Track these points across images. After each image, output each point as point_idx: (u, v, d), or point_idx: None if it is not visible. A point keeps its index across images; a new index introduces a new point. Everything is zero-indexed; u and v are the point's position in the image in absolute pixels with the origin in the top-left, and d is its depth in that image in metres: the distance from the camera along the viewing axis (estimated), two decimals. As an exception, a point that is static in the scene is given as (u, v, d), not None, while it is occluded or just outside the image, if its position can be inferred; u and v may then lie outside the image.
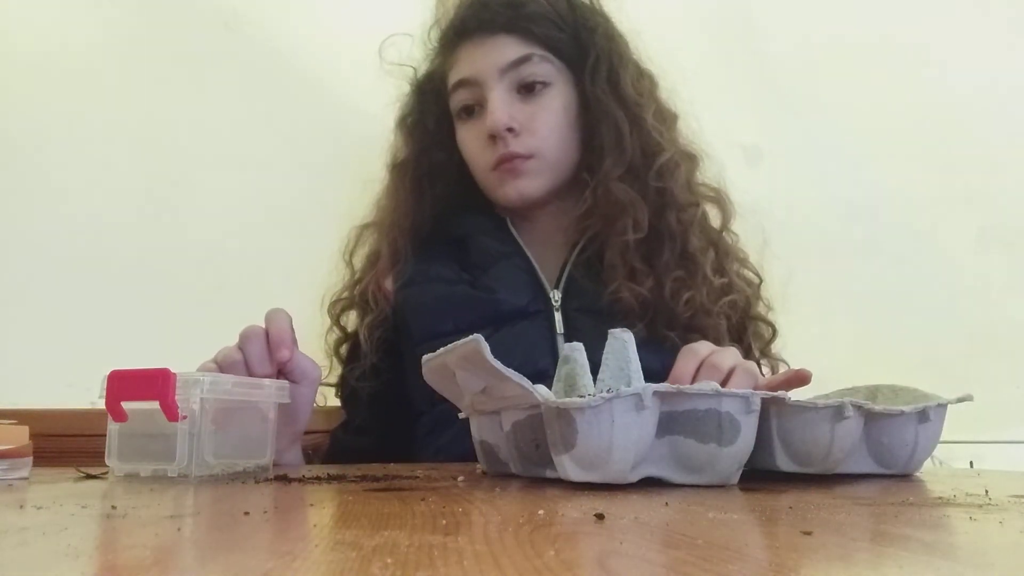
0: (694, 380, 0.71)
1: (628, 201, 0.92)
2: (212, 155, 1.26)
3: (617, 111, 0.95)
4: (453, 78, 0.98)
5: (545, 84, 0.95)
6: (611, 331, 0.61)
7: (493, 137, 0.93)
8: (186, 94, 1.27)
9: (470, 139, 0.98)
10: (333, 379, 1.05)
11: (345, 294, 1.05)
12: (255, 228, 1.25)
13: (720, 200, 0.99)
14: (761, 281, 1.01)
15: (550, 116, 0.95)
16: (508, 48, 0.94)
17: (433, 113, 1.02)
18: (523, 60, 0.94)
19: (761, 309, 1.00)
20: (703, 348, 0.75)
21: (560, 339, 0.91)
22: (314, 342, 1.07)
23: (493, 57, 0.94)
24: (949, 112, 1.32)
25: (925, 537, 0.31)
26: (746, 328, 0.97)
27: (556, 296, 0.94)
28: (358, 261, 1.07)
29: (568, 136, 0.96)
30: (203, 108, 1.27)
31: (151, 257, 1.20)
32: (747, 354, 0.94)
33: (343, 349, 1.05)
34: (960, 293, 1.30)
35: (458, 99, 0.97)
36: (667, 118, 0.99)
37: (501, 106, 0.92)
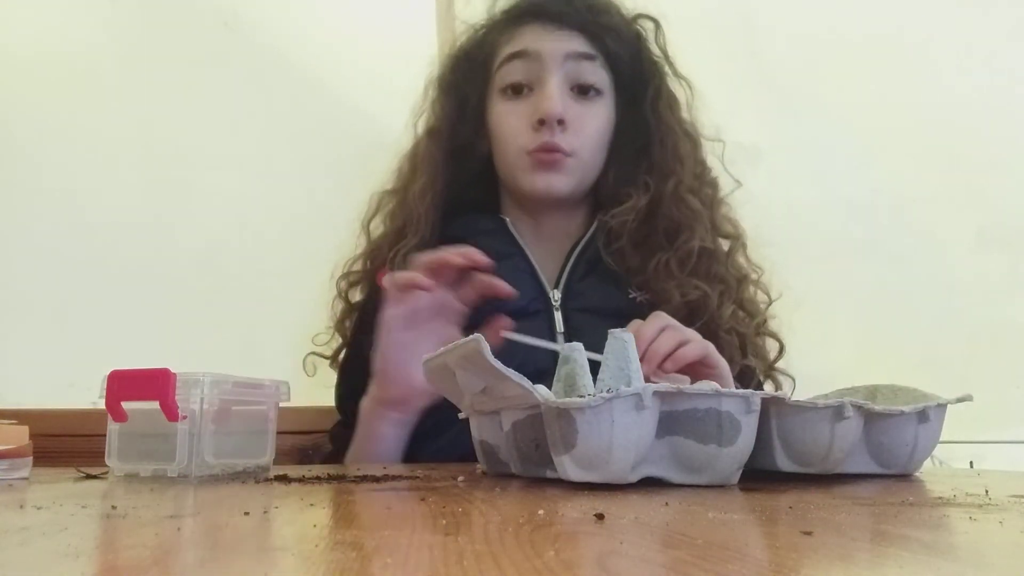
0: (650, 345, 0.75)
1: (699, 212, 0.96)
2: (212, 155, 1.26)
3: (680, 134, 0.99)
4: (510, 48, 0.97)
5: (599, 92, 0.96)
6: (611, 331, 0.61)
7: (540, 123, 0.92)
8: (186, 94, 1.27)
9: (512, 117, 0.96)
10: (328, 351, 1.06)
11: (356, 266, 1.05)
12: (255, 228, 1.25)
13: (739, 233, 1.03)
14: (771, 301, 1.03)
15: (597, 122, 0.96)
16: (577, 42, 0.95)
17: (475, 83, 1.01)
18: (588, 57, 0.95)
19: (770, 327, 1.02)
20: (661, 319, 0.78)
21: (560, 338, 0.91)
22: (316, 341, 1.07)
23: (561, 43, 0.95)
24: (949, 112, 1.32)
25: (925, 537, 0.31)
26: (756, 344, 0.99)
27: (556, 296, 0.95)
28: (375, 229, 1.06)
29: (603, 147, 0.98)
30: (203, 108, 1.27)
31: (151, 257, 1.20)
32: (744, 370, 0.96)
33: (348, 323, 1.05)
34: (960, 293, 1.30)
35: (510, 71, 0.96)
36: (721, 155, 1.05)
37: (559, 94, 0.92)
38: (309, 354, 1.06)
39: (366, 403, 0.85)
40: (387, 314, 0.80)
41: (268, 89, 1.30)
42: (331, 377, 1.04)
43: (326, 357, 1.06)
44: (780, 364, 1.01)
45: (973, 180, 1.32)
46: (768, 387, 1.00)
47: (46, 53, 1.22)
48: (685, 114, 1.03)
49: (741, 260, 1.01)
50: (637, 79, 1.00)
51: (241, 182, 1.27)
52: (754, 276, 1.01)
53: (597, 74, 0.96)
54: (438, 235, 1.00)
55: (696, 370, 0.76)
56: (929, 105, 1.32)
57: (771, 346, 1.01)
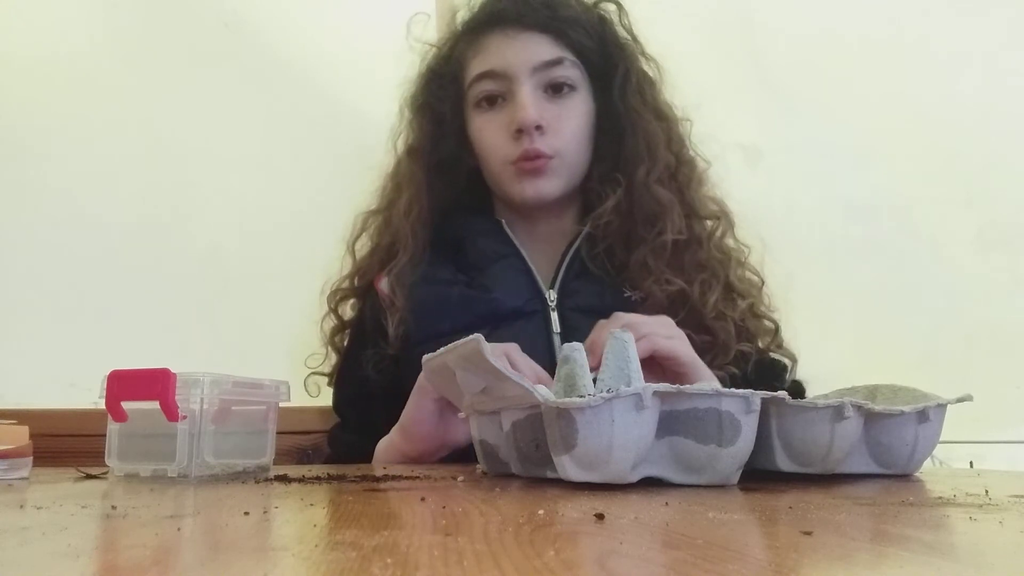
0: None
1: (668, 203, 0.95)
2: (212, 155, 1.26)
3: (651, 121, 0.98)
4: (478, 68, 0.97)
5: (572, 88, 0.96)
6: (611, 331, 0.61)
7: (519, 132, 0.93)
8: (186, 94, 1.27)
9: (490, 130, 0.96)
10: (327, 368, 1.06)
11: (346, 284, 1.05)
12: (255, 227, 1.25)
13: (724, 212, 1.01)
14: (763, 282, 1.02)
15: (574, 119, 0.96)
16: (542, 47, 0.95)
17: (449, 99, 1.01)
18: (556, 63, 0.95)
19: (764, 308, 1.01)
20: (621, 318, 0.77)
21: (557, 338, 0.92)
22: (309, 363, 1.07)
23: (526, 53, 0.94)
24: (949, 112, 1.32)
25: (925, 537, 0.31)
26: (752, 328, 0.98)
27: (552, 296, 0.95)
28: (360, 248, 1.06)
29: (585, 142, 0.98)
30: (203, 108, 1.27)
31: (151, 257, 1.20)
32: (739, 355, 0.95)
33: (338, 339, 1.06)
34: (960, 293, 1.30)
35: (481, 89, 0.97)
36: (688, 134, 1.03)
37: (533, 102, 0.92)
38: (309, 375, 1.07)
39: (384, 447, 0.84)
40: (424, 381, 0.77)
41: (268, 89, 1.30)
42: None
43: (325, 374, 1.06)
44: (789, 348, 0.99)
45: (973, 180, 1.32)
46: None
47: (46, 53, 1.22)
48: (659, 95, 1.01)
49: (728, 241, 1.00)
50: (607, 66, 0.99)
51: (241, 182, 1.27)
52: (741, 258, 1.00)
53: (569, 72, 0.96)
54: (430, 248, 1.00)
55: (663, 367, 0.75)
56: (929, 105, 1.33)
57: (768, 327, 0.99)
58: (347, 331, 1.06)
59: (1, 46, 1.21)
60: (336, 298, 1.06)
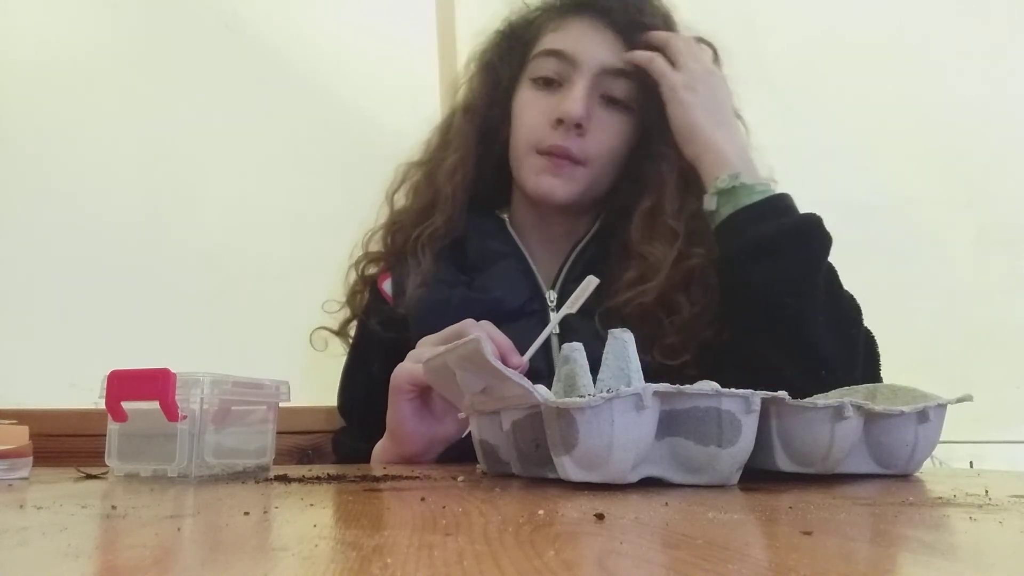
0: None
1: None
2: (212, 156, 1.26)
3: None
4: (550, 43, 0.95)
5: (627, 107, 0.94)
6: (611, 331, 0.61)
7: (559, 122, 0.91)
8: (186, 95, 1.27)
9: (533, 110, 0.95)
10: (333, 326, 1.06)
11: (378, 237, 1.04)
12: (255, 229, 1.26)
13: None
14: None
15: (616, 134, 0.94)
16: (618, 55, 0.93)
17: (511, 64, 0.99)
18: (624, 73, 0.93)
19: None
20: None
21: (555, 339, 0.91)
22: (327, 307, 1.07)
23: (601, 51, 0.93)
24: (949, 112, 1.32)
25: (925, 537, 0.31)
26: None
27: (552, 296, 0.94)
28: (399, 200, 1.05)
29: (617, 161, 0.96)
30: (203, 109, 1.27)
31: (151, 257, 1.20)
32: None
33: (359, 298, 1.04)
34: (960, 293, 1.30)
35: (543, 65, 0.95)
36: None
37: (584, 97, 0.90)
38: (317, 328, 1.05)
39: (379, 451, 0.83)
40: (401, 382, 0.76)
41: (268, 90, 1.30)
42: (334, 369, 1.04)
43: (335, 332, 1.05)
44: None
45: (973, 180, 1.32)
46: None
47: (46, 55, 1.22)
48: None
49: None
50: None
51: (241, 182, 1.27)
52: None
53: (631, 90, 0.94)
54: (464, 216, 0.98)
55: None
56: (929, 105, 1.33)
57: None
58: (366, 292, 1.04)
59: (2, 48, 1.21)
60: (366, 257, 1.04)
